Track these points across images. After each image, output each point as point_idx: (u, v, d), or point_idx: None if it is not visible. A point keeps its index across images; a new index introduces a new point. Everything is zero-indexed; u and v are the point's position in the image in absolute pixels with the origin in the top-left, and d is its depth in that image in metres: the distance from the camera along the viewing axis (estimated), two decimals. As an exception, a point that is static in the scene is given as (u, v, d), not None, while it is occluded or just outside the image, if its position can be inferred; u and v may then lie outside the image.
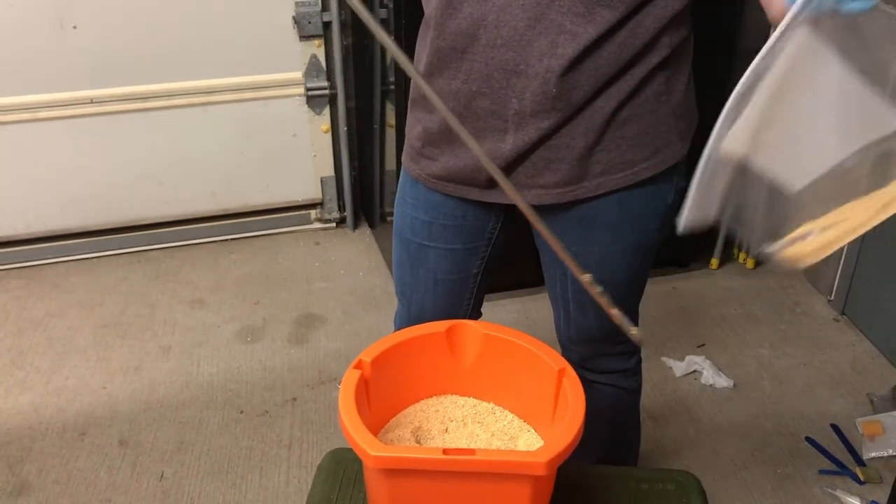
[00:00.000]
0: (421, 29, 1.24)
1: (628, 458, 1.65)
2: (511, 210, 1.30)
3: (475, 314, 1.46)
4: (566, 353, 1.42)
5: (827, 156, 0.88)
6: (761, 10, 1.01)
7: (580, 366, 1.43)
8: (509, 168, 1.18)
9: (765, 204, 0.90)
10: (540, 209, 1.25)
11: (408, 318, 1.43)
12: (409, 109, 1.30)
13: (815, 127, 0.88)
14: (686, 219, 0.92)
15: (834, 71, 0.86)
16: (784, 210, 0.89)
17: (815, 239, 0.88)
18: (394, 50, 0.92)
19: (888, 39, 0.86)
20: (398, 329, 1.44)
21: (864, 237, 2.37)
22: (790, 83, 0.87)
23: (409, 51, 1.30)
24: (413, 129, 1.29)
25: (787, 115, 0.88)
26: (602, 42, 1.08)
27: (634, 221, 1.25)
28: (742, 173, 0.89)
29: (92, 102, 2.57)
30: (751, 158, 0.89)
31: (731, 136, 0.88)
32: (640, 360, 1.53)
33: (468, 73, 1.14)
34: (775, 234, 0.89)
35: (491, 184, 1.22)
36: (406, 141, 1.32)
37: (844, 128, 0.88)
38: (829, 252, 0.90)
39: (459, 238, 1.33)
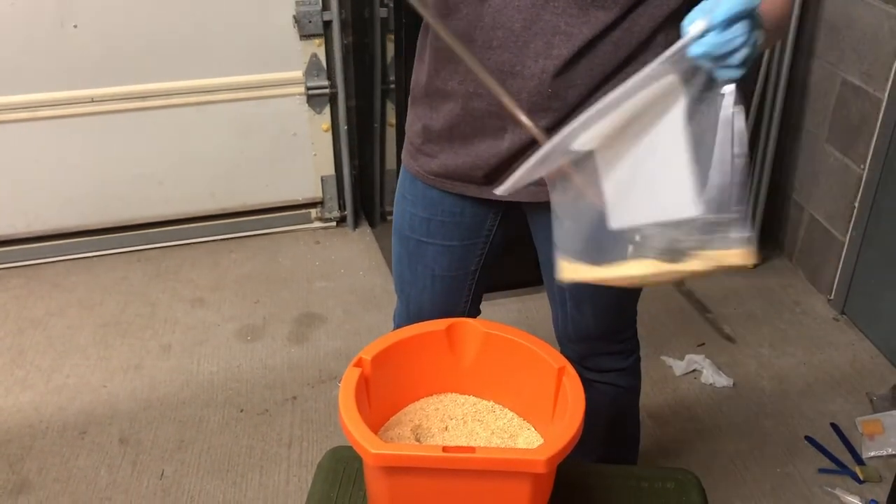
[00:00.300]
0: (422, 30, 1.24)
1: (628, 457, 1.65)
2: (509, 207, 1.30)
3: (473, 311, 1.46)
4: (564, 352, 1.43)
5: (640, 212, 0.92)
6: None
7: (579, 364, 1.43)
8: (506, 166, 1.19)
9: (577, 213, 0.94)
10: (536, 206, 1.25)
11: (406, 314, 1.43)
12: (409, 107, 1.31)
13: (642, 174, 0.92)
14: (504, 186, 0.97)
15: (675, 131, 0.90)
16: (593, 232, 0.93)
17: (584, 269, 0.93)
18: (461, 51, 0.96)
19: (715, 126, 0.90)
20: (397, 326, 1.44)
21: (864, 236, 2.37)
22: (643, 119, 0.91)
23: (410, 51, 1.30)
24: (413, 126, 1.30)
25: (629, 147, 0.92)
26: (597, 42, 1.09)
27: None
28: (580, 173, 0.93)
29: (92, 101, 2.57)
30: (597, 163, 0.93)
31: (586, 138, 0.91)
32: (638, 359, 1.53)
33: (465, 74, 1.15)
34: (573, 245, 0.94)
35: (488, 180, 1.22)
36: (406, 138, 1.33)
37: (657, 191, 0.92)
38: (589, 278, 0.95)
39: (457, 234, 1.33)
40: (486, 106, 1.16)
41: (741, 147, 0.90)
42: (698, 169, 0.90)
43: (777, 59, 2.50)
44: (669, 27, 1.13)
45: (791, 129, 2.65)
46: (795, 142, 2.66)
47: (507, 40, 1.10)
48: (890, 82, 2.21)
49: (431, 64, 1.19)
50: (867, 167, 2.33)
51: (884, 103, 2.24)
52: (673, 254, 0.91)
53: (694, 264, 0.90)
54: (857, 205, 2.39)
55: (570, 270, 0.95)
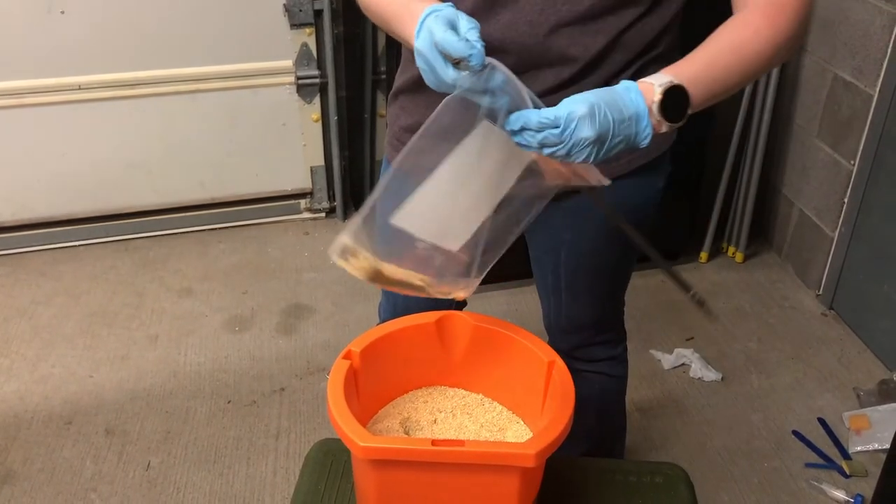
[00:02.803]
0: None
1: (615, 449, 1.66)
2: None
3: (460, 304, 1.46)
4: (554, 344, 1.42)
5: (424, 228, 0.96)
6: None
7: (569, 355, 1.43)
8: None
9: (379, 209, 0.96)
10: None
11: (393, 310, 1.43)
12: (392, 99, 1.29)
13: (445, 202, 0.96)
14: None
15: (465, 161, 0.93)
16: (383, 225, 0.96)
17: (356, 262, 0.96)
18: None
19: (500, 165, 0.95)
20: (383, 321, 1.43)
21: (853, 232, 2.38)
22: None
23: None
24: (399, 119, 1.27)
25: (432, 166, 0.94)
26: (610, 49, 1.10)
27: (627, 209, 1.25)
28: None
29: (80, 89, 2.55)
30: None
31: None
32: (625, 349, 1.53)
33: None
34: (358, 229, 0.96)
35: None
36: (390, 131, 1.31)
37: (448, 222, 0.96)
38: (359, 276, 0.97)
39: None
40: None
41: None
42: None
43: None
44: (671, 26, 1.13)
45: (782, 123, 2.65)
46: (786, 137, 2.66)
47: (520, 53, 1.09)
48: (881, 78, 2.21)
49: None
50: (857, 163, 2.34)
51: (875, 99, 2.24)
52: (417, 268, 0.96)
53: (421, 284, 0.96)
54: (846, 200, 2.40)
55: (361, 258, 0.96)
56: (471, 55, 0.87)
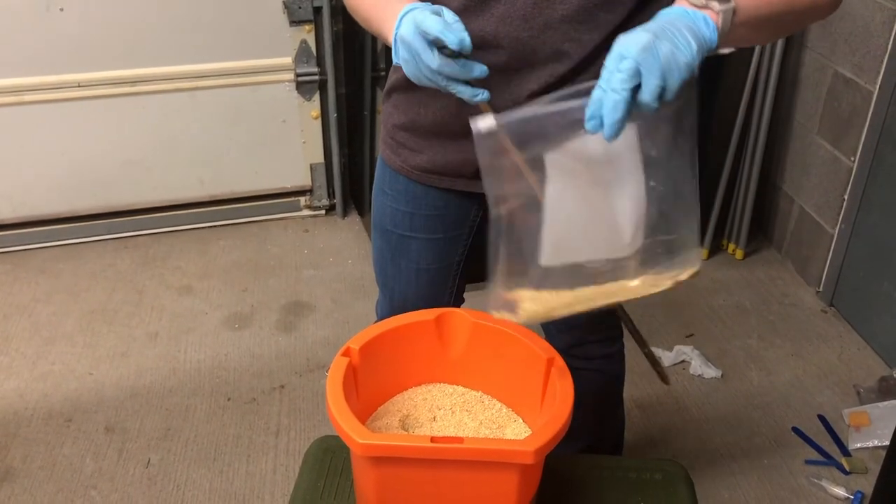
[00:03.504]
0: None
1: (613, 446, 1.66)
2: None
3: (458, 302, 1.46)
4: (551, 342, 1.42)
5: (579, 252, 0.92)
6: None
7: (566, 353, 1.43)
8: None
9: (516, 251, 0.91)
10: None
11: (390, 308, 1.42)
12: (384, 97, 1.28)
13: (578, 220, 0.91)
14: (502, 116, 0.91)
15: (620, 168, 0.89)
16: (524, 267, 0.92)
17: (523, 309, 0.91)
18: None
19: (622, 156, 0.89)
20: (381, 318, 1.43)
21: (853, 229, 2.38)
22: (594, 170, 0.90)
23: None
24: (394, 119, 1.26)
25: (575, 196, 0.91)
26: (604, 45, 1.08)
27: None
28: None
29: (79, 86, 2.54)
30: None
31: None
32: (622, 346, 1.53)
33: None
34: (507, 281, 0.91)
35: (479, 174, 1.20)
36: (385, 131, 1.29)
37: (598, 234, 0.92)
38: (537, 318, 0.93)
39: (441, 227, 1.32)
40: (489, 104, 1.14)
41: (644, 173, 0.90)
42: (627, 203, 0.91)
43: (769, 50, 2.49)
44: None
45: (782, 120, 2.65)
46: (786, 133, 2.66)
47: (514, 47, 1.08)
48: (881, 74, 2.21)
49: None
50: (857, 159, 2.34)
51: (875, 95, 2.24)
52: (617, 276, 0.91)
53: (638, 287, 0.91)
54: (846, 197, 2.40)
55: (532, 300, 0.91)
56: (461, 38, 0.86)
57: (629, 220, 0.90)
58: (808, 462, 1.97)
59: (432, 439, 0.89)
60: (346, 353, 1.02)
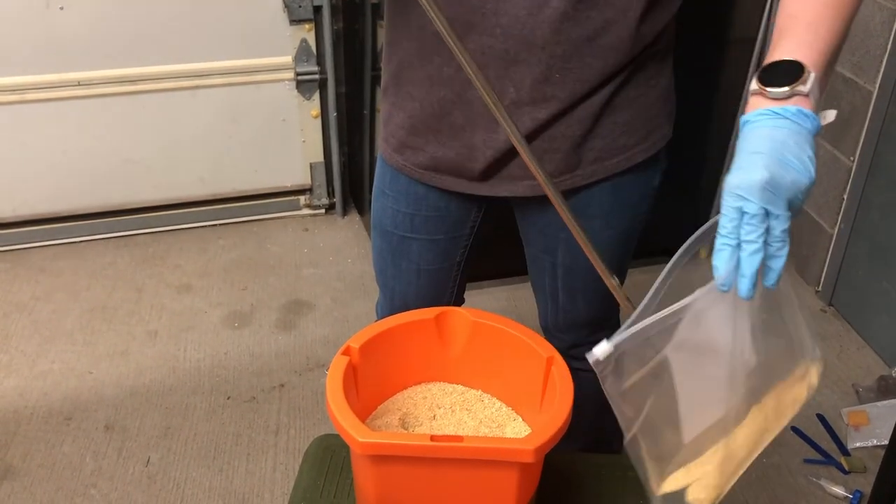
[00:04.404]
0: (395, 13, 1.17)
1: (613, 442, 1.66)
2: (494, 199, 1.28)
3: (458, 301, 1.45)
4: (551, 342, 1.43)
5: (712, 412, 0.87)
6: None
7: (566, 354, 1.43)
8: (503, 160, 1.16)
9: (653, 437, 0.88)
10: (525, 201, 1.24)
11: (391, 308, 1.41)
12: (385, 96, 1.25)
13: (709, 386, 0.87)
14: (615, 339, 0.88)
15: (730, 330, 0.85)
16: (667, 449, 0.88)
17: (701, 485, 0.87)
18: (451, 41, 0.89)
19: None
20: (381, 318, 1.43)
21: (852, 229, 2.38)
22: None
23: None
24: (394, 117, 1.24)
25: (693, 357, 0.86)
26: (610, 26, 1.06)
27: (625, 206, 1.25)
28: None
29: (79, 85, 2.54)
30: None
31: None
32: None
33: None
34: (659, 470, 0.88)
35: (484, 176, 1.19)
36: (385, 130, 1.27)
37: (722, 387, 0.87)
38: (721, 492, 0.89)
39: (442, 228, 1.31)
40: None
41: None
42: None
43: (769, 49, 2.49)
44: (670, 22, 1.12)
45: (781, 120, 2.65)
46: (785, 133, 2.66)
47: (512, 27, 1.05)
48: (880, 74, 2.21)
49: (423, 49, 1.14)
50: (856, 159, 2.34)
51: (874, 95, 2.24)
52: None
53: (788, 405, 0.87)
54: (845, 197, 2.40)
55: (672, 482, 0.88)
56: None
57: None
58: (807, 461, 1.97)
59: (432, 438, 0.90)
60: (346, 352, 1.02)
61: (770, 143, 0.76)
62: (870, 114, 2.26)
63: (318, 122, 2.82)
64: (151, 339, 2.34)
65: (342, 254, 2.76)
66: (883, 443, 1.95)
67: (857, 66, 2.29)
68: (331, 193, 2.97)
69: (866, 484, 1.89)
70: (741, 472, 0.86)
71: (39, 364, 2.23)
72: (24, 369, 2.21)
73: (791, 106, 0.78)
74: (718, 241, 0.78)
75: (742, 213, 0.76)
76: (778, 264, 0.78)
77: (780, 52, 0.83)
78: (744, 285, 0.76)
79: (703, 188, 2.65)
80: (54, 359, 2.26)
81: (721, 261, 0.78)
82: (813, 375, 0.87)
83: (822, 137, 2.47)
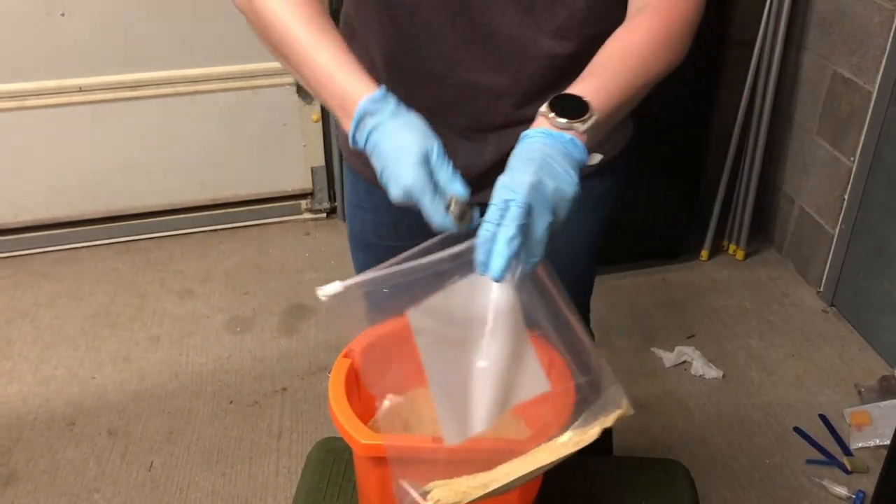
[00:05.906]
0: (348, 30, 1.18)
1: (604, 443, 1.65)
2: (481, 201, 1.27)
3: None
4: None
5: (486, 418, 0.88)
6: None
7: None
8: (487, 175, 1.15)
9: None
10: None
11: None
12: None
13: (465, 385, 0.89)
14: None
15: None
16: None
17: (431, 497, 0.86)
18: None
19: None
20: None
21: (853, 229, 2.38)
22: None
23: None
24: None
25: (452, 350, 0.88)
26: (582, 54, 1.07)
27: (596, 204, 1.25)
28: None
29: (80, 91, 2.55)
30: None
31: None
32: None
33: (441, 95, 1.11)
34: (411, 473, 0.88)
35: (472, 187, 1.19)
36: (342, 136, 1.26)
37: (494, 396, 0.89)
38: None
39: (429, 232, 1.30)
40: (468, 122, 1.12)
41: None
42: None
43: (768, 51, 2.50)
44: None
45: (781, 121, 2.65)
46: (786, 134, 2.66)
47: (475, 62, 1.06)
48: (880, 75, 2.21)
49: (400, 83, 1.11)
50: (857, 160, 2.34)
51: (874, 96, 2.24)
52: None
53: (567, 444, 0.87)
54: (846, 197, 2.40)
55: (441, 487, 0.86)
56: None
57: (526, 375, 0.88)
58: (810, 462, 1.97)
59: (434, 440, 0.90)
60: (348, 355, 1.02)
61: (541, 154, 0.83)
62: (870, 114, 2.26)
63: (319, 126, 2.83)
64: (154, 344, 2.34)
65: (344, 258, 2.75)
66: (885, 443, 1.95)
67: (857, 66, 2.30)
68: (332, 197, 2.97)
69: (869, 484, 1.89)
70: (493, 488, 0.85)
71: (42, 370, 2.24)
72: (27, 375, 2.22)
73: (567, 134, 0.86)
74: (482, 227, 0.82)
75: (508, 203, 0.81)
76: (534, 260, 0.84)
77: (579, 87, 0.91)
78: (496, 264, 0.80)
79: (702, 189, 2.66)
80: (57, 364, 2.26)
81: (481, 241, 0.82)
82: (610, 418, 0.87)
83: (822, 138, 2.48)
